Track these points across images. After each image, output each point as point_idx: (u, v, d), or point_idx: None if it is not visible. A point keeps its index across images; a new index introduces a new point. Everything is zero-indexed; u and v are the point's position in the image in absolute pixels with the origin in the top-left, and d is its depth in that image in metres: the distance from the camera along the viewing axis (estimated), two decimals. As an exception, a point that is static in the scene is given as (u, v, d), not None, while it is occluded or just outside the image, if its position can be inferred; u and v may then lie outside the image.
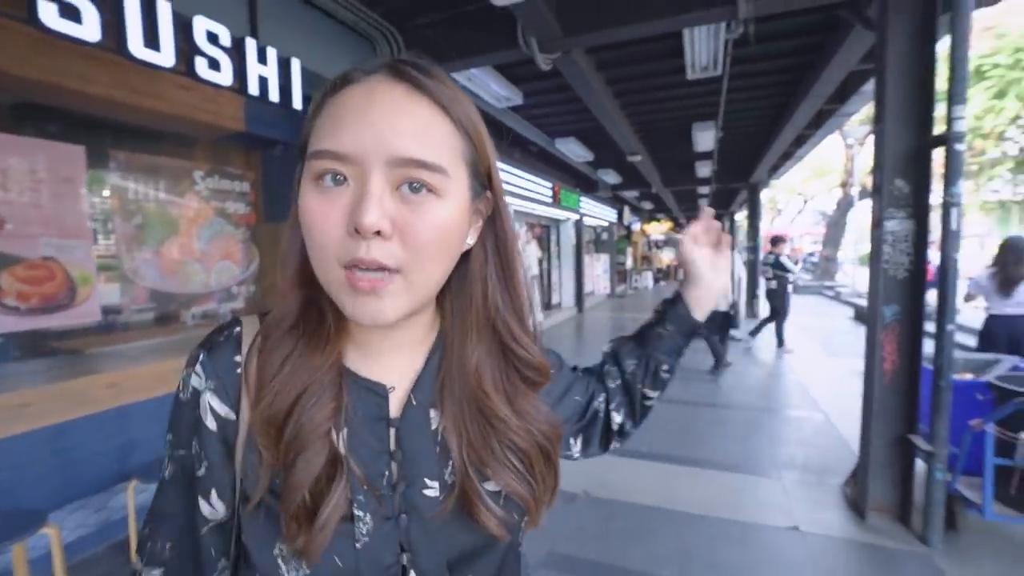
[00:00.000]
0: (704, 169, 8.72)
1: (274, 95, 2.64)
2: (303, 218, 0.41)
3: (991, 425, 2.19)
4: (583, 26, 3.17)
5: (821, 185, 23.10)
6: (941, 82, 2.25)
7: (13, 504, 1.96)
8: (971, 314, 4.41)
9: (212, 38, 2.34)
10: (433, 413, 0.49)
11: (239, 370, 0.46)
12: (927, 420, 2.30)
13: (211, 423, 0.45)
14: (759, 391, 5.03)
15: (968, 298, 3.77)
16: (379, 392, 0.47)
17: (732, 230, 16.48)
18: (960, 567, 2.13)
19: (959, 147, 2.11)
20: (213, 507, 0.46)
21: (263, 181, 3.48)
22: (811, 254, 22.24)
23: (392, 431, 0.47)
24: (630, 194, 13.09)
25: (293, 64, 2.74)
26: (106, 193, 2.72)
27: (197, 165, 3.14)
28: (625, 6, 3.07)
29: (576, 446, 0.66)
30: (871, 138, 2.67)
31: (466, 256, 0.48)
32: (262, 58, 2.58)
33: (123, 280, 2.78)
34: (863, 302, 7.57)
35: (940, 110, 2.26)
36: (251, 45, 2.52)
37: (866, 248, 2.74)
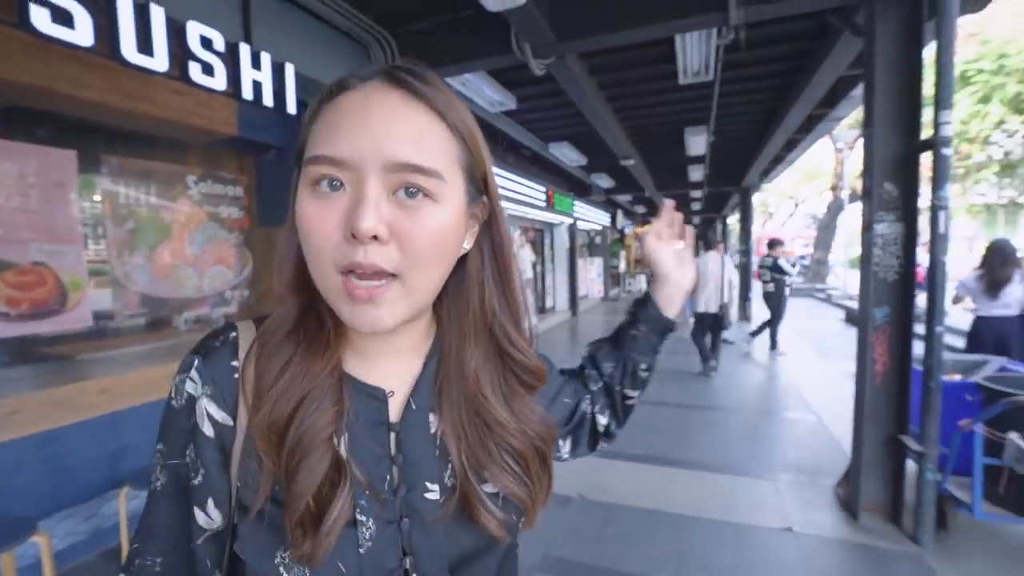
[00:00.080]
0: (696, 173, 8.78)
1: (268, 100, 2.64)
2: (300, 223, 0.41)
3: (980, 425, 2.22)
4: (576, 32, 3.19)
5: (812, 188, 23.33)
6: (928, 87, 2.29)
7: (2, 512, 1.94)
8: (959, 316, 4.46)
9: (206, 43, 2.34)
10: (432, 417, 0.49)
11: (236, 375, 0.45)
12: (917, 421, 2.33)
13: (208, 429, 0.44)
14: (752, 393, 5.06)
15: (956, 300, 3.83)
16: (379, 397, 0.48)
17: (724, 233, 16.59)
18: (951, 566, 2.15)
19: (946, 151, 2.15)
20: (210, 517, 0.45)
21: (256, 185, 3.47)
22: (802, 257, 22.44)
23: (392, 435, 0.47)
24: (623, 198, 13.16)
25: (287, 69, 2.73)
26: (98, 198, 2.70)
27: (190, 169, 3.12)
28: (618, 12, 3.10)
29: (565, 447, 0.66)
30: (860, 142, 2.70)
31: (463, 261, 0.49)
32: (256, 63, 2.58)
33: (115, 285, 2.76)
34: (854, 304, 7.64)
35: (927, 115, 2.30)
36: (245, 50, 2.52)
37: (857, 251, 2.78)
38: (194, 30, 2.29)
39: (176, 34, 2.22)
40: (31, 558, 1.85)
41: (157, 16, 2.12)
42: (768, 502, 2.75)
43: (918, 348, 2.38)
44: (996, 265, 3.50)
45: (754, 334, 7.09)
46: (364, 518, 0.44)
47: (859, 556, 2.26)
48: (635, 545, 2.37)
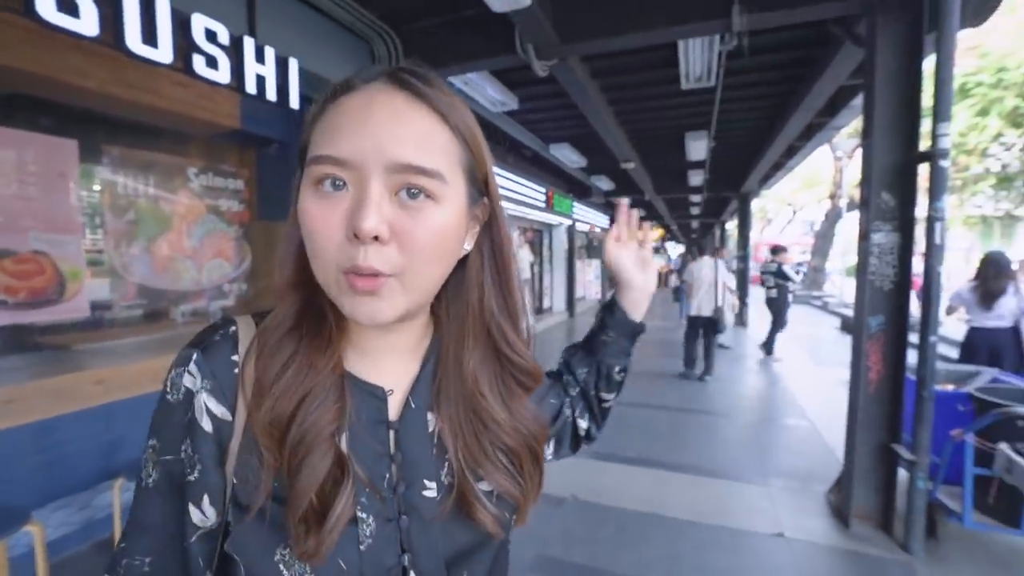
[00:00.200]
0: (696, 178, 8.81)
1: (271, 94, 2.64)
2: (303, 222, 0.41)
3: (971, 435, 2.23)
4: (580, 34, 3.21)
5: (811, 196, 23.42)
6: (927, 99, 2.31)
7: (-5, 501, 1.94)
8: (954, 326, 4.50)
9: (210, 36, 2.34)
10: (430, 416, 0.50)
11: (236, 370, 0.45)
12: (910, 429, 2.34)
13: (207, 424, 0.43)
14: (747, 398, 5.08)
15: (949, 311, 3.86)
16: (379, 395, 0.48)
17: (723, 238, 16.65)
18: (940, 574, 2.17)
19: (943, 163, 2.16)
20: (204, 514, 0.44)
21: (257, 179, 3.47)
22: (799, 264, 22.57)
23: (392, 433, 0.48)
24: (622, 200, 13.18)
25: (291, 64, 2.74)
26: (98, 188, 2.70)
27: (191, 162, 3.12)
28: (621, 16, 3.11)
29: (549, 449, 0.67)
30: (859, 151, 2.72)
31: (463, 262, 0.49)
32: (260, 57, 2.58)
33: (113, 276, 2.76)
34: (850, 312, 7.68)
35: (926, 126, 2.32)
36: (249, 44, 2.52)
37: (853, 259, 2.79)
38: (199, 23, 2.30)
39: (181, 26, 2.23)
40: (24, 547, 1.85)
41: (162, 8, 2.13)
42: (760, 507, 2.76)
43: (912, 357, 2.40)
44: (990, 277, 3.53)
45: (767, 347, 6.78)
46: (365, 515, 0.44)
47: (850, 563, 2.27)
48: (628, 547, 2.38)
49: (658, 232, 21.70)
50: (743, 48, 3.31)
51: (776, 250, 6.90)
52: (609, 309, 0.71)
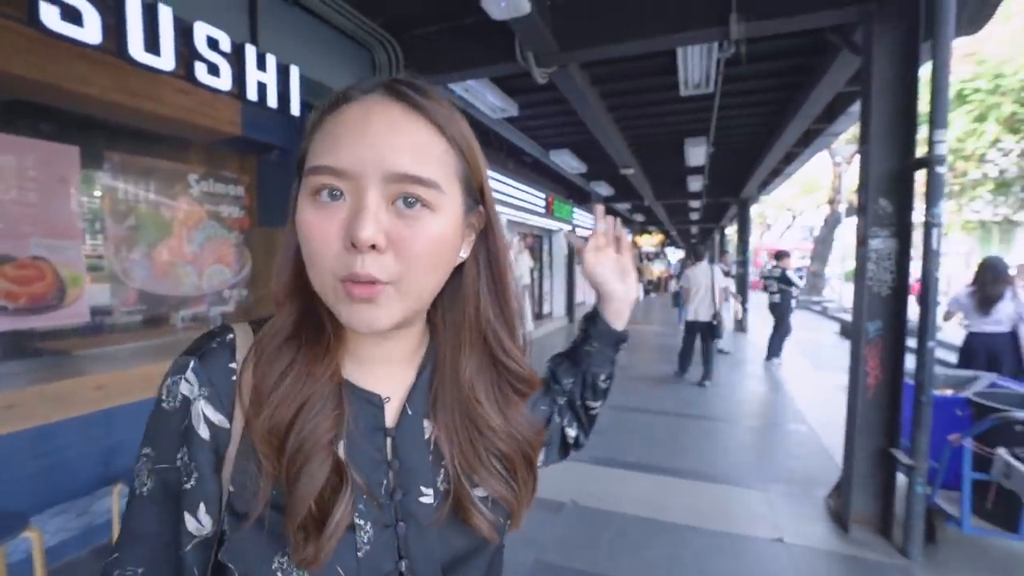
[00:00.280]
0: (695, 183, 8.84)
1: (272, 101, 2.66)
2: (301, 231, 0.42)
3: (969, 440, 2.24)
4: (579, 42, 3.23)
5: (809, 201, 23.45)
6: (924, 105, 2.33)
7: (-6, 506, 1.93)
8: (952, 331, 4.50)
9: (212, 44, 2.36)
10: (426, 423, 0.50)
11: (234, 377, 0.45)
12: (908, 434, 2.35)
13: (204, 432, 0.43)
14: (747, 403, 5.08)
15: (947, 316, 3.86)
16: (375, 403, 0.49)
17: (722, 243, 16.66)
18: (939, 580, 2.17)
19: (940, 169, 2.18)
20: (200, 523, 0.44)
21: (258, 185, 3.49)
22: (799, 269, 22.59)
23: (389, 440, 0.48)
24: (622, 206, 13.20)
25: (292, 71, 2.76)
26: (99, 194, 2.71)
27: (192, 168, 3.14)
28: (621, 24, 3.14)
29: (540, 455, 0.67)
30: (858, 157, 2.74)
31: (459, 270, 0.50)
32: (261, 65, 2.60)
33: (113, 281, 2.77)
34: (848, 317, 7.69)
35: (923, 133, 2.34)
36: (251, 51, 2.54)
37: (852, 264, 2.81)
38: (201, 30, 2.32)
39: (183, 34, 2.24)
40: (22, 553, 1.84)
41: (165, 16, 2.15)
42: (760, 512, 2.76)
43: (910, 362, 2.40)
44: (988, 282, 3.54)
45: (776, 356, 6.72)
46: (362, 522, 0.45)
47: (849, 568, 2.27)
48: (627, 552, 2.38)
49: (658, 237, 21.75)
50: (741, 56, 3.33)
51: (779, 255, 6.92)
52: (591, 320, 0.71)
